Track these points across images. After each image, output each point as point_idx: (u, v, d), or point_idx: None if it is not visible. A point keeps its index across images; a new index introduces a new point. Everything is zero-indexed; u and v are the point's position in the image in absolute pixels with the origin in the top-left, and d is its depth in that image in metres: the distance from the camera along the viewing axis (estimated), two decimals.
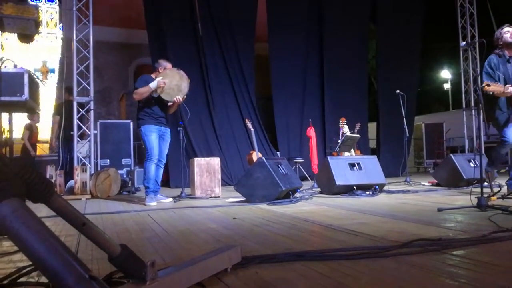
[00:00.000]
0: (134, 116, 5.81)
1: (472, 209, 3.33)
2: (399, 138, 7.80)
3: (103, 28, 10.46)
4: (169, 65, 5.06)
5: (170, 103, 4.99)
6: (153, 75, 5.05)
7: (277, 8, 9.19)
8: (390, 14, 10.07)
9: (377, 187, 5.22)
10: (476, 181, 5.20)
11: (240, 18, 8.89)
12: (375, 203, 4.27)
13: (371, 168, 5.51)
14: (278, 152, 8.92)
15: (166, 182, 7.51)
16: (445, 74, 25.29)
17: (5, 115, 3.02)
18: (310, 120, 7.55)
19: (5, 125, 2.96)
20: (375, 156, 6.03)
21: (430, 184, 6.41)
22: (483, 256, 1.88)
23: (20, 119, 8.54)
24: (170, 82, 4.86)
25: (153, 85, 4.77)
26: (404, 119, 6.95)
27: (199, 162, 5.75)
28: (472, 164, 5.74)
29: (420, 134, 12.17)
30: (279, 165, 4.95)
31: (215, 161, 5.82)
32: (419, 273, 1.64)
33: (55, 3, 14.45)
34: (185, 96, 4.97)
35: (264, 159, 4.79)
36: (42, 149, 13.33)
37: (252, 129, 7.30)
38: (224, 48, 8.75)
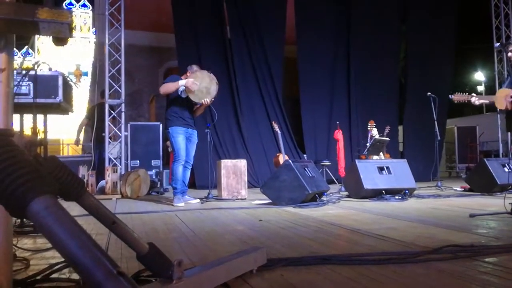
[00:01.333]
0: (163, 118, 5.91)
1: (506, 215, 3.22)
2: (430, 142, 7.61)
3: (134, 32, 10.70)
4: (198, 70, 5.14)
5: (197, 105, 5.06)
6: (183, 77, 5.13)
7: (305, 11, 9.16)
8: (420, 15, 9.84)
9: (407, 191, 5.11)
10: (510, 187, 5.02)
11: (269, 21, 8.91)
12: (404, 208, 4.19)
13: (400, 172, 5.40)
14: (305, 155, 8.87)
15: (193, 184, 7.59)
16: (479, 76, 24.58)
17: (40, 117, 3.12)
18: (337, 122, 7.47)
19: (40, 126, 3.06)
20: (405, 159, 5.91)
21: (462, 189, 6.23)
22: None
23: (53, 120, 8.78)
24: (200, 83, 4.91)
25: (182, 82, 4.84)
26: (436, 122, 6.78)
27: (226, 164, 5.79)
28: (506, 169, 5.54)
29: (452, 137, 11.85)
30: (306, 168, 4.93)
31: (242, 163, 5.85)
32: (450, 280, 1.60)
33: (89, 8, 14.89)
34: (213, 99, 5.00)
35: (290, 161, 4.77)
36: (75, 150, 13.73)
37: (279, 132, 7.28)
38: (252, 51, 8.79)
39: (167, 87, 4.89)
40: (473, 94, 4.58)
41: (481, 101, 4.61)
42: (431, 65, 9.78)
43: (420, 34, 9.83)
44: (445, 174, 12.08)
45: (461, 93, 4.65)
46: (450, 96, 4.61)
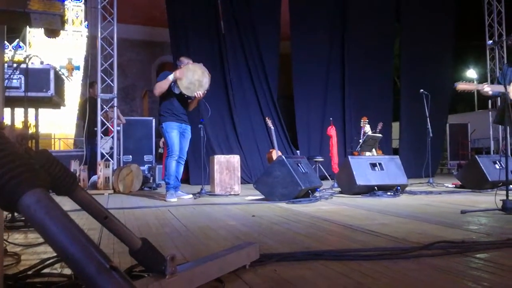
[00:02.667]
0: (156, 113, 5.88)
1: (497, 212, 3.25)
2: (423, 139, 7.65)
3: (127, 26, 10.62)
4: (190, 61, 5.10)
5: (190, 99, 5.04)
6: None
7: (300, 6, 9.13)
8: (416, 12, 9.84)
9: (398, 187, 5.14)
10: (501, 184, 5.06)
11: (264, 16, 8.87)
12: (396, 204, 4.22)
13: (393, 169, 5.43)
14: (298, 151, 8.88)
15: (186, 179, 7.57)
16: (471, 73, 24.73)
17: (31, 110, 3.09)
18: (331, 119, 7.49)
19: (32, 120, 3.04)
20: (397, 156, 5.94)
21: (454, 186, 6.28)
22: (508, 259, 1.83)
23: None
24: (192, 76, 4.89)
25: (170, 76, 4.81)
26: (428, 119, 6.81)
27: (219, 160, 5.78)
28: (497, 166, 5.59)
29: (444, 134, 11.92)
30: (299, 164, 4.93)
31: (235, 159, 5.84)
32: (441, 276, 1.61)
33: (81, 1, 14.74)
34: (205, 92, 4.97)
35: (284, 157, 4.77)
36: (67, 145, 13.64)
37: (272, 127, 7.28)
38: (246, 46, 8.74)
39: (160, 87, 4.86)
40: (485, 83, 4.33)
41: (495, 90, 4.22)
42: (428, 63, 9.75)
43: (415, 32, 9.80)
44: (437, 170, 12.16)
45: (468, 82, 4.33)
46: (455, 84, 4.21)
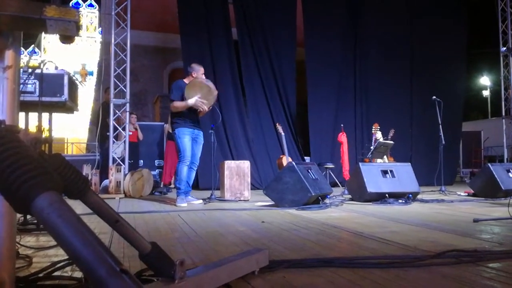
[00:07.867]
0: (167, 119, 5.91)
1: (510, 221, 3.20)
2: (436, 146, 7.57)
3: (140, 32, 10.75)
4: (201, 69, 5.16)
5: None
6: (185, 80, 5.15)
7: (314, 13, 9.15)
8: (428, 18, 9.77)
9: (410, 195, 5.09)
10: None
11: (278, 23, 8.91)
12: (407, 211, 4.18)
13: (404, 176, 5.39)
14: (307, 158, 8.85)
15: (196, 184, 7.59)
16: (485, 80, 24.49)
17: (45, 115, 3.13)
18: (342, 125, 7.46)
19: (45, 125, 3.07)
20: (409, 163, 5.89)
21: (466, 194, 6.20)
22: None
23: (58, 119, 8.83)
24: (200, 92, 4.97)
25: (191, 102, 4.89)
26: (440, 126, 6.75)
27: (229, 165, 5.79)
28: (511, 175, 5.52)
29: None
30: (309, 170, 4.92)
31: (245, 165, 5.85)
32: (453, 285, 1.59)
33: (95, 7, 14.96)
34: (210, 107, 5.09)
35: (294, 163, 4.77)
36: (79, 149, 13.80)
37: (283, 134, 7.28)
38: (258, 52, 8.77)
39: (177, 107, 4.97)
40: None
41: None
42: (440, 70, 9.67)
43: (428, 39, 9.73)
44: (455, 178, 12.01)
45: None
46: None
